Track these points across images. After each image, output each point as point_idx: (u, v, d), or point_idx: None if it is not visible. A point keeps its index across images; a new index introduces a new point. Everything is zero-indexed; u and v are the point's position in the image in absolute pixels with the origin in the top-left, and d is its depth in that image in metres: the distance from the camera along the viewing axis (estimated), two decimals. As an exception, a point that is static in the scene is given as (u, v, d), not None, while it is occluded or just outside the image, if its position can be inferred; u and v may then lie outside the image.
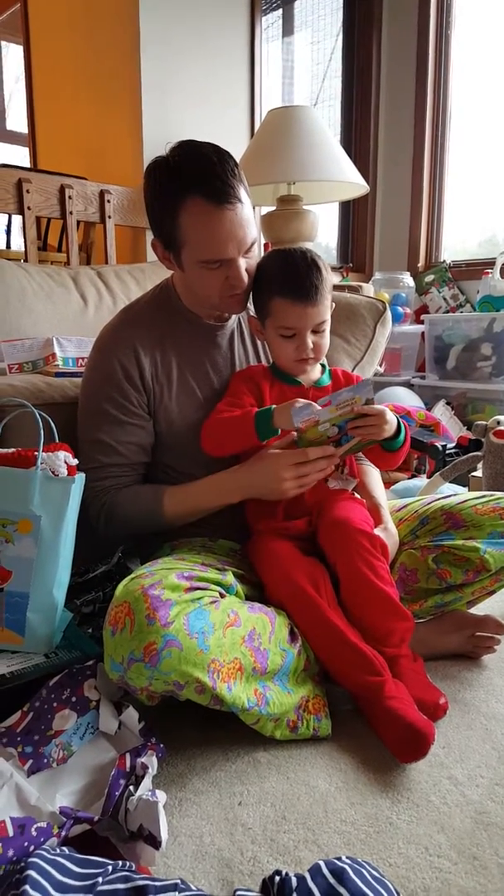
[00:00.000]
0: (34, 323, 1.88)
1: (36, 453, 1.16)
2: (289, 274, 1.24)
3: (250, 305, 1.36)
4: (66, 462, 1.18)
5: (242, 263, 1.25)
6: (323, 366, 1.38)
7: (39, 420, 1.18)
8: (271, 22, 3.62)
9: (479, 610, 1.44)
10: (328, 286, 1.26)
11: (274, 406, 1.23)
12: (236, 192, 1.19)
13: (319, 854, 0.89)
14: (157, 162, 1.23)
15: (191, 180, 1.18)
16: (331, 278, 1.28)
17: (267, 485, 1.22)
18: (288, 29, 3.76)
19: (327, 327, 1.29)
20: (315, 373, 1.36)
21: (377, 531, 1.27)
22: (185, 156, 1.21)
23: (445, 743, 1.12)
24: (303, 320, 1.25)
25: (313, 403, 1.19)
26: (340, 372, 1.40)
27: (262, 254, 1.34)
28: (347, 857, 0.75)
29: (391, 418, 1.23)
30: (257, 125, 3.24)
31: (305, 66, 3.86)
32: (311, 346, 1.26)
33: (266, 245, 2.92)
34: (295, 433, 1.21)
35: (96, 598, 1.40)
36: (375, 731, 1.11)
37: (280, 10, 3.70)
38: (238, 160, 1.26)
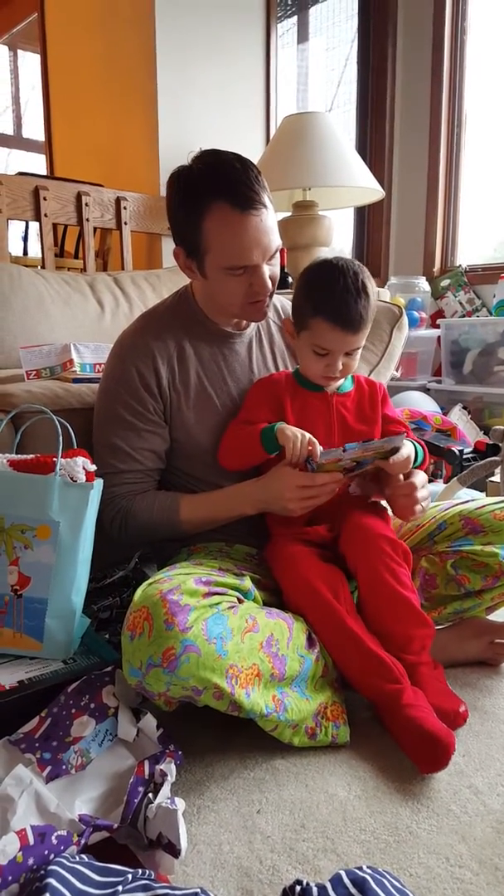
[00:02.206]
0: (52, 329, 1.89)
1: (55, 459, 1.17)
2: (338, 298, 1.20)
3: (279, 305, 1.35)
4: (84, 468, 1.19)
5: (266, 270, 1.25)
6: None
7: (59, 426, 1.18)
8: (286, 28, 3.63)
9: (498, 616, 1.43)
10: (373, 313, 1.24)
11: (279, 423, 1.23)
12: (261, 199, 1.20)
13: (339, 863, 0.88)
14: (181, 170, 1.24)
15: (216, 186, 1.19)
16: (376, 302, 1.26)
17: (275, 501, 1.23)
18: (303, 35, 3.76)
19: (360, 351, 1.28)
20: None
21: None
22: (209, 163, 1.21)
23: (465, 751, 1.11)
24: (340, 345, 1.24)
25: (312, 444, 1.19)
26: (363, 379, 1.39)
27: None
28: (368, 867, 0.75)
29: (411, 456, 1.25)
30: (272, 131, 3.24)
31: (320, 72, 3.86)
32: (340, 367, 1.26)
33: (282, 251, 2.92)
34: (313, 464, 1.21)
35: (113, 604, 1.40)
36: (395, 739, 1.10)
37: (295, 17, 3.71)
38: (254, 166, 1.26)
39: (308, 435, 1.21)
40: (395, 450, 1.21)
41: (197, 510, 1.30)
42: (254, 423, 1.27)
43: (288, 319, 1.33)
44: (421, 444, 1.32)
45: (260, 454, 1.25)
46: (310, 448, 1.19)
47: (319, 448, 1.19)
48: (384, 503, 1.36)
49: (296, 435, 1.20)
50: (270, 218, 1.23)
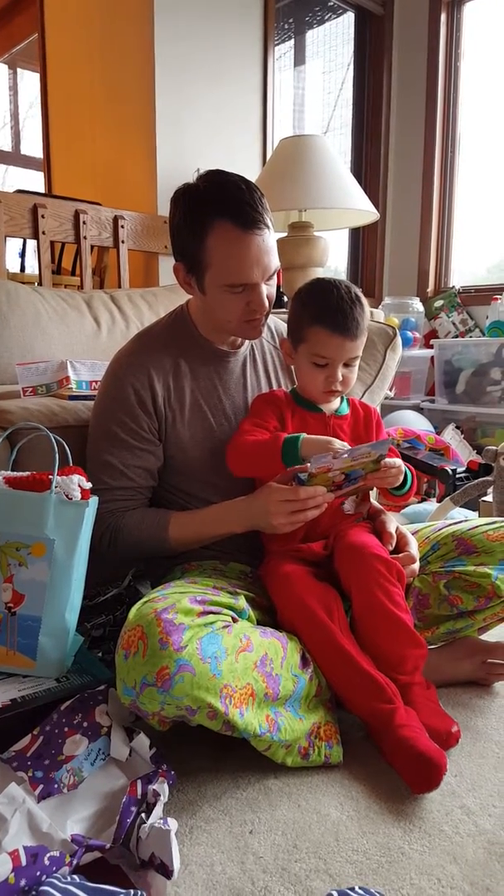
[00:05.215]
0: (48, 346, 1.90)
1: (50, 477, 1.17)
2: (333, 305, 1.25)
3: (273, 326, 1.37)
4: (79, 485, 1.19)
5: (264, 289, 1.27)
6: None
7: (54, 444, 1.19)
8: (283, 52, 3.68)
9: (490, 636, 1.44)
10: (367, 324, 1.28)
11: (304, 435, 1.22)
12: (263, 219, 1.23)
13: (331, 884, 0.88)
14: (187, 187, 1.26)
15: (221, 204, 1.21)
16: (369, 318, 1.30)
17: (261, 517, 1.22)
18: (300, 59, 3.82)
19: (357, 362, 1.31)
20: (335, 401, 1.37)
21: (407, 552, 1.28)
22: (215, 182, 1.24)
23: (458, 771, 1.11)
24: (339, 352, 1.26)
25: (333, 451, 1.17)
26: (358, 403, 1.42)
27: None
28: (360, 888, 0.75)
29: (402, 468, 1.27)
30: (269, 153, 3.28)
31: (317, 95, 3.92)
32: (340, 378, 1.28)
33: (279, 271, 2.94)
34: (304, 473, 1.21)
35: (107, 622, 1.40)
36: (387, 759, 1.10)
37: (292, 41, 3.77)
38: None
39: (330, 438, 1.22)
40: (382, 457, 1.22)
41: (185, 528, 1.31)
42: (264, 427, 1.29)
43: (284, 339, 1.35)
44: (409, 469, 1.34)
45: (276, 465, 1.23)
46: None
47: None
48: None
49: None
50: (271, 239, 1.26)
